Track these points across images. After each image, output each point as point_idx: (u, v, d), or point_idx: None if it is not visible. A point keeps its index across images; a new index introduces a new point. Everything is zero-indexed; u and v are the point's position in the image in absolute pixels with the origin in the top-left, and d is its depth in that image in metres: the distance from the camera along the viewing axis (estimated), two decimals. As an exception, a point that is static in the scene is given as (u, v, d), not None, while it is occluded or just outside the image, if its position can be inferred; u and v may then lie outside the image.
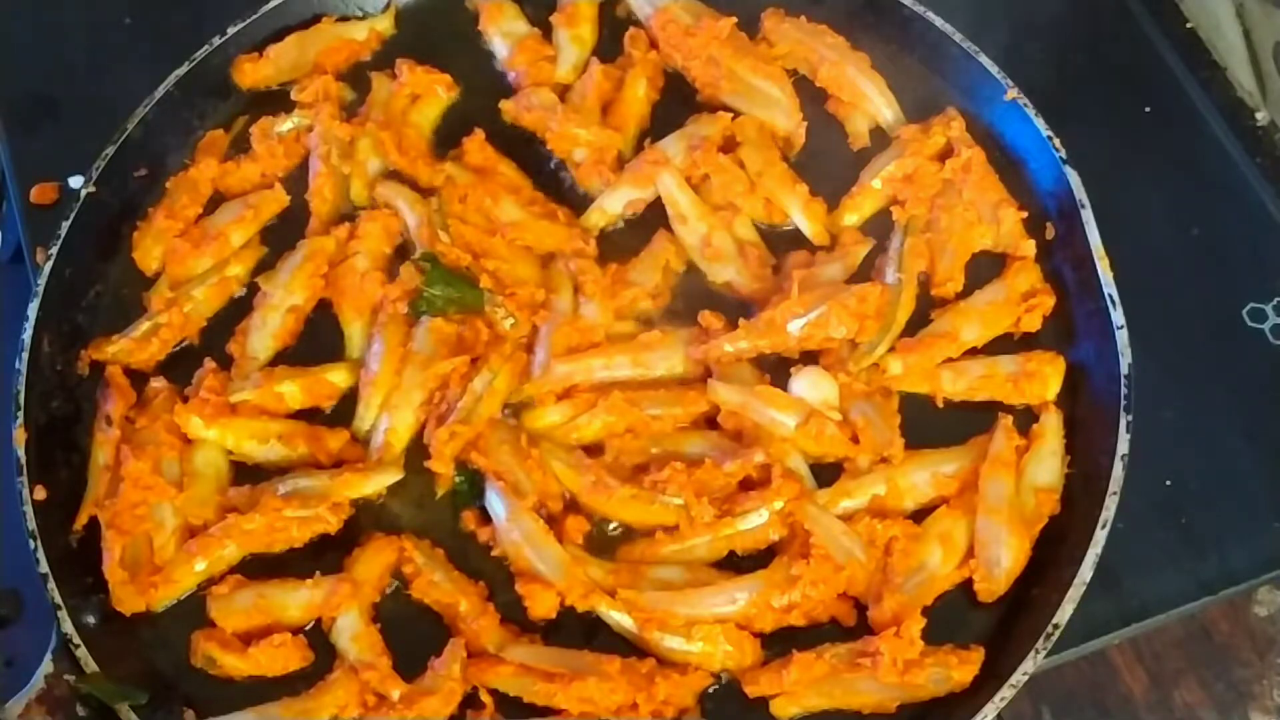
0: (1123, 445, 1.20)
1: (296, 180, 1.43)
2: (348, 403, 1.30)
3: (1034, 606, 1.16)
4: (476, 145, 1.41)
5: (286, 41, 1.49)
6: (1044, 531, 1.21)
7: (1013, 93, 1.39)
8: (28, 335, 1.29)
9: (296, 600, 1.19)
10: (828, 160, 1.43)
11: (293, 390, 1.29)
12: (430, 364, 1.28)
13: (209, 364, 1.31)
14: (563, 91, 1.46)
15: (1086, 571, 1.15)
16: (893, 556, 1.19)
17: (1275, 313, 1.38)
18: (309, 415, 1.30)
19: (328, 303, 1.35)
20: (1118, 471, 1.19)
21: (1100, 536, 1.16)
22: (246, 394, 1.27)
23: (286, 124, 1.45)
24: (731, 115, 1.41)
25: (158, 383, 1.31)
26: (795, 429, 1.24)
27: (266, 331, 1.32)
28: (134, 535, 1.22)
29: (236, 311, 1.36)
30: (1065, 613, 1.13)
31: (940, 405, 1.29)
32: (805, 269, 1.32)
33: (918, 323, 1.31)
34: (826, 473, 1.25)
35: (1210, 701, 1.24)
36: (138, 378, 1.32)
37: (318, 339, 1.34)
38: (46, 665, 1.15)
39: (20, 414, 1.26)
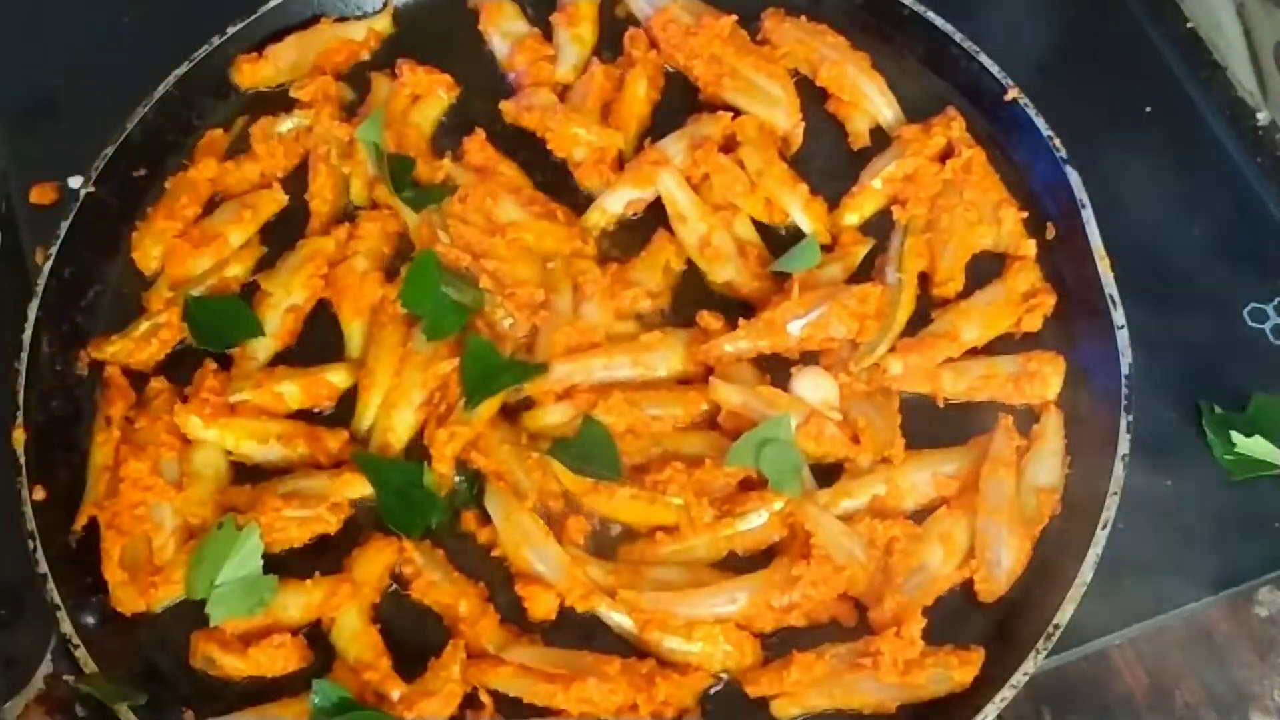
0: (1123, 445, 1.20)
1: (296, 180, 1.43)
2: (347, 403, 1.30)
3: (1034, 607, 1.16)
4: (477, 145, 1.41)
5: (286, 42, 1.49)
6: (1044, 532, 1.21)
7: (1013, 93, 1.39)
8: (27, 335, 1.29)
9: (296, 600, 1.19)
10: (828, 160, 1.43)
11: (292, 390, 1.28)
12: (430, 364, 1.28)
13: (208, 364, 1.31)
14: (563, 91, 1.46)
15: (1087, 572, 1.15)
16: (893, 557, 1.19)
17: (1276, 313, 1.38)
18: (308, 415, 1.30)
19: (327, 303, 1.35)
20: (1118, 471, 1.19)
21: (1101, 536, 1.16)
22: (246, 394, 1.27)
23: (286, 124, 1.45)
24: (732, 115, 1.41)
25: (157, 383, 1.31)
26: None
27: (266, 331, 1.32)
28: (133, 535, 1.21)
29: (236, 312, 1.36)
30: (1066, 613, 1.13)
31: (941, 405, 1.28)
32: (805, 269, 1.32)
33: (918, 323, 1.31)
34: (827, 473, 1.25)
35: (1211, 702, 1.24)
36: (137, 378, 1.32)
37: (317, 339, 1.34)
38: (46, 665, 1.15)
39: (20, 414, 1.26)
